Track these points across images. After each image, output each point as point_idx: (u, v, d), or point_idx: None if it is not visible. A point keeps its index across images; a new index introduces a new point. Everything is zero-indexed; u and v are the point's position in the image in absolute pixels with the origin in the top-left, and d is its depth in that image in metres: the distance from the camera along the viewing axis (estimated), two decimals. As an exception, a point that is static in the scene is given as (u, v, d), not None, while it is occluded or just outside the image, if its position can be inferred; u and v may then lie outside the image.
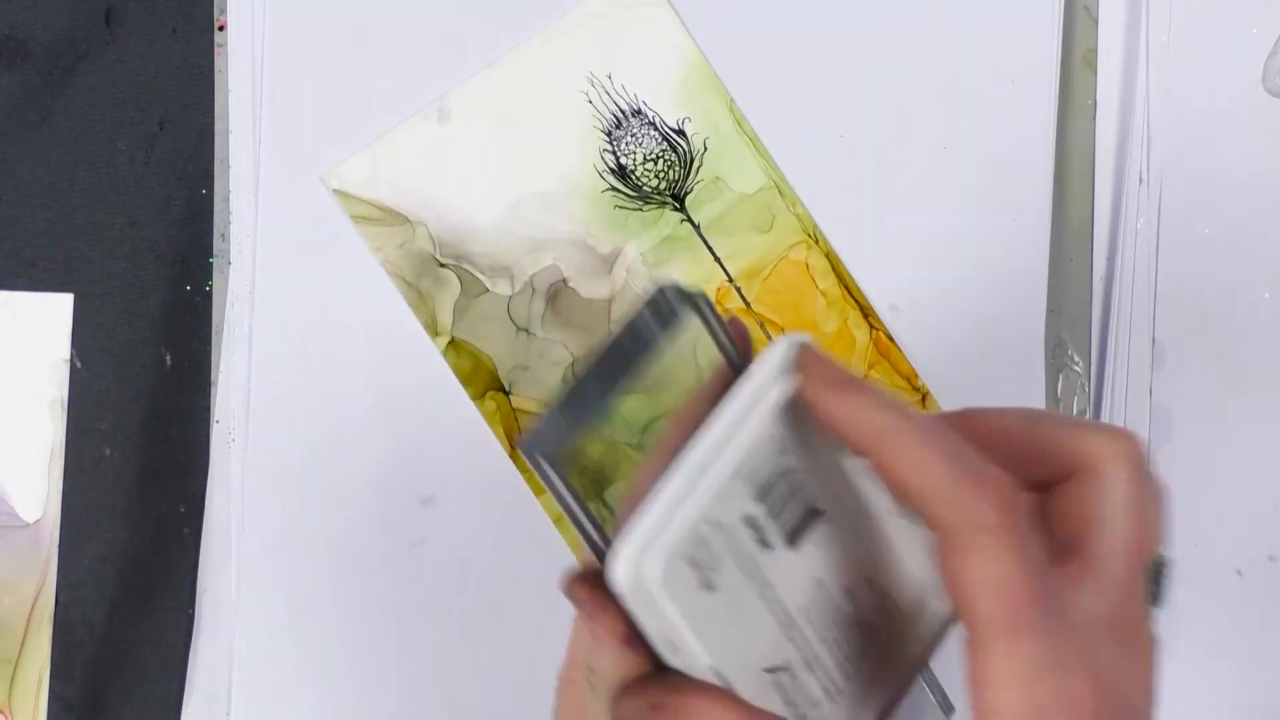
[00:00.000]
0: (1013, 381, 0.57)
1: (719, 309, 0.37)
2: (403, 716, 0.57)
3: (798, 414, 0.34)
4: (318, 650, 0.57)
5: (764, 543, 0.33)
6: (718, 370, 0.34)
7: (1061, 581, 0.33)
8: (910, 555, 0.36)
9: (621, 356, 0.33)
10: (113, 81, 0.58)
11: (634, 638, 0.34)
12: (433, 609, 0.57)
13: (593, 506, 0.33)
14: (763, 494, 0.33)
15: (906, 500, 0.33)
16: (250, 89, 0.58)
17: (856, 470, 0.34)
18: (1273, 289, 0.57)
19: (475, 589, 0.57)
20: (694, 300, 0.34)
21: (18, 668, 0.57)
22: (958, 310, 0.57)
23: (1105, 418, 0.57)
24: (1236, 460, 0.56)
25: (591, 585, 0.34)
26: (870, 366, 0.57)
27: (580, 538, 0.33)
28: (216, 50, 0.58)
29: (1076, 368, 0.58)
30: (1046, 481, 0.35)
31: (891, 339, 0.57)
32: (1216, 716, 0.56)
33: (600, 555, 0.33)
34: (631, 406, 0.34)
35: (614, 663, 0.34)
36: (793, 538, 0.34)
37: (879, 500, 0.35)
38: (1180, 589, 0.56)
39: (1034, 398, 0.57)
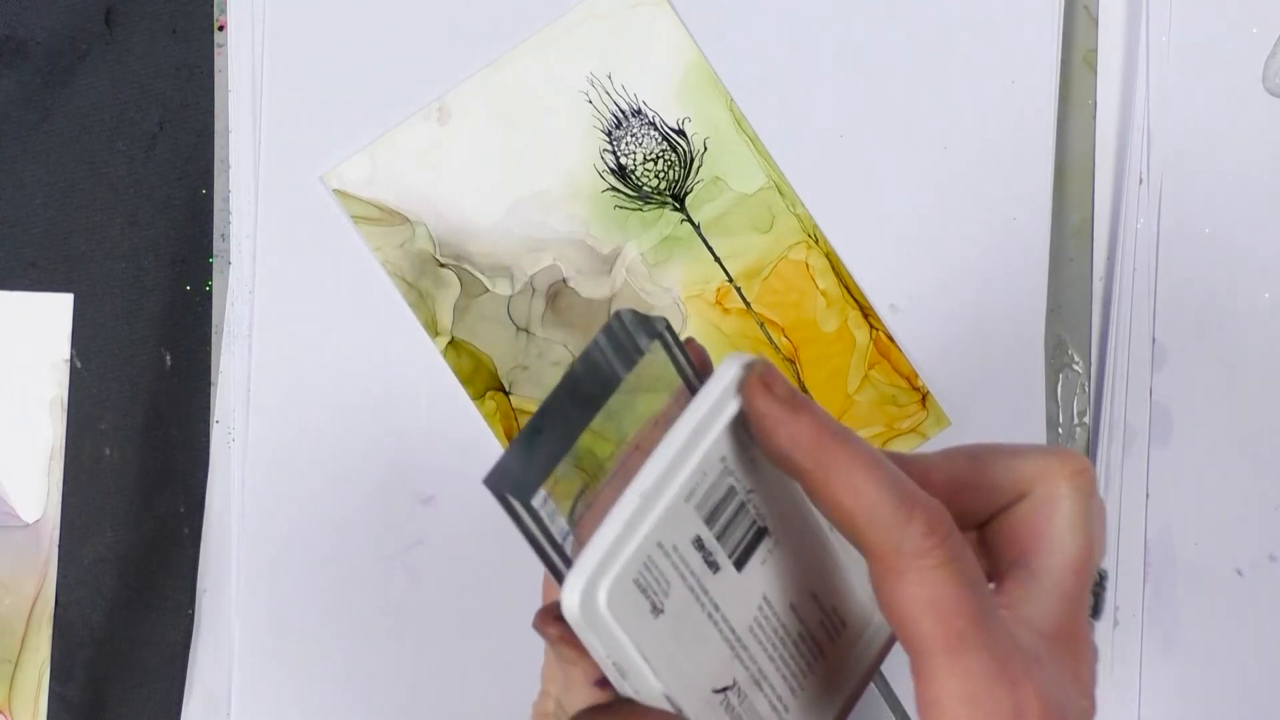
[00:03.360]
0: (1013, 381, 0.57)
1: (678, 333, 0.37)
2: (402, 717, 0.57)
3: (744, 434, 0.34)
4: (318, 650, 0.57)
5: (712, 564, 0.34)
6: (678, 395, 0.34)
7: (1003, 597, 0.34)
8: (853, 570, 0.36)
9: (582, 388, 0.33)
10: (113, 81, 0.58)
11: (607, 679, 0.34)
12: (433, 609, 0.57)
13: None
14: (711, 516, 0.34)
15: (840, 525, 0.33)
16: (250, 89, 0.58)
17: (799, 488, 0.34)
18: (1273, 289, 0.57)
19: (475, 589, 0.57)
20: (654, 326, 0.33)
21: (18, 668, 0.57)
22: (958, 310, 0.57)
23: (1105, 418, 0.57)
24: (1236, 460, 0.56)
25: (564, 623, 0.33)
26: (870, 366, 0.57)
27: (552, 576, 0.33)
28: (216, 50, 0.58)
29: (1076, 368, 0.58)
30: (996, 513, 0.36)
31: (891, 339, 0.57)
32: (1217, 717, 0.56)
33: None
34: (596, 438, 0.33)
35: (585, 703, 0.34)
36: (740, 558, 0.34)
37: (821, 517, 0.35)
38: (1180, 589, 0.56)
39: (1034, 397, 0.57)
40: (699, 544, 0.33)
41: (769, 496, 0.35)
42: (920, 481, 0.34)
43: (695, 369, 0.34)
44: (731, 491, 0.34)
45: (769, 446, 0.33)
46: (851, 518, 0.32)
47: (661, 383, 0.34)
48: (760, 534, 0.35)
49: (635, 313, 0.33)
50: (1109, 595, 0.56)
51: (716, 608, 0.34)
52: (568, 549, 0.32)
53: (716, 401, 0.33)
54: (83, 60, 0.58)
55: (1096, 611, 0.36)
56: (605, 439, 0.33)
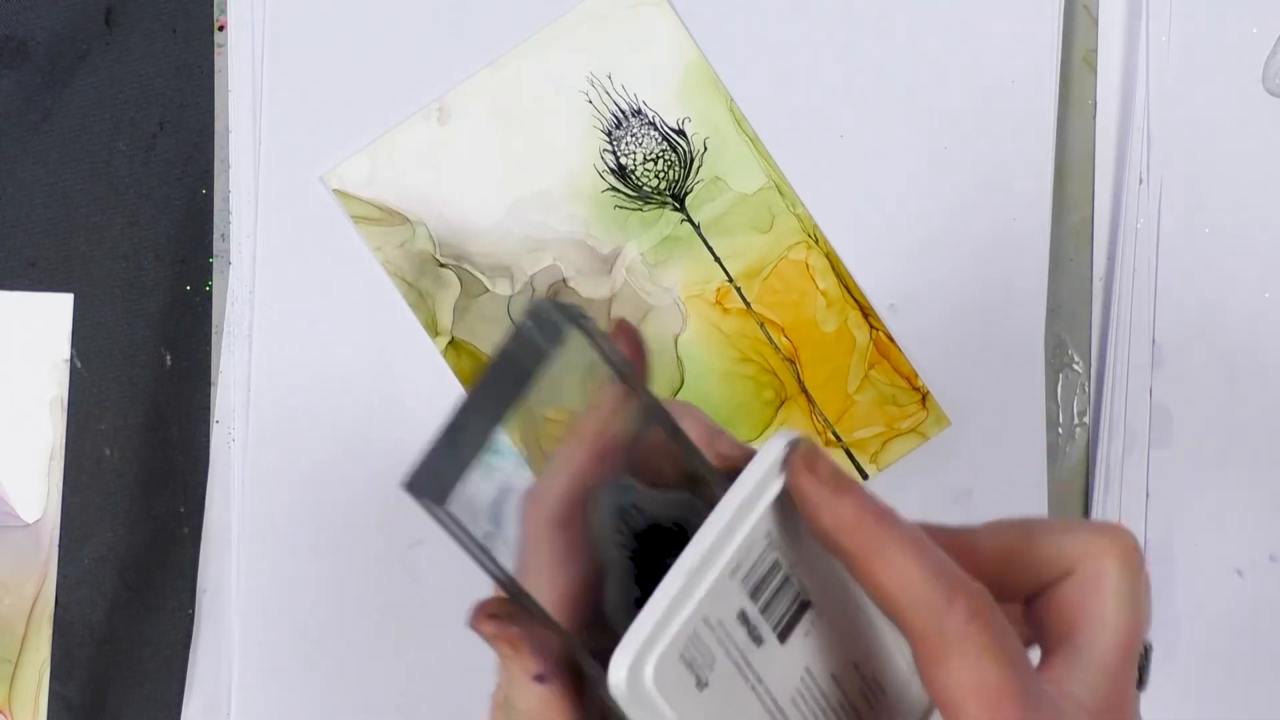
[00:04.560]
0: (1013, 381, 0.57)
1: (611, 323, 0.37)
2: (402, 717, 0.57)
3: (789, 509, 0.34)
4: (318, 650, 0.57)
5: (756, 638, 0.34)
6: (607, 386, 0.34)
7: (1049, 673, 0.34)
8: (891, 636, 0.36)
9: (500, 382, 0.32)
10: (113, 81, 0.58)
11: (546, 674, 0.34)
12: (433, 609, 0.57)
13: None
14: (756, 590, 0.34)
15: (882, 606, 0.33)
16: (250, 89, 0.58)
17: (821, 565, 0.35)
18: (1273, 289, 0.57)
19: (475, 589, 0.57)
20: (571, 314, 0.33)
21: (18, 668, 0.57)
22: (958, 310, 0.57)
23: (1105, 418, 0.57)
24: (1236, 460, 0.56)
25: (499, 619, 0.34)
26: (870, 366, 0.57)
27: (483, 571, 0.33)
28: (216, 50, 0.58)
29: (1076, 368, 0.58)
30: (1044, 588, 0.36)
31: (891, 339, 0.57)
32: (1217, 717, 0.56)
33: (505, 589, 0.33)
34: (520, 431, 0.33)
35: (526, 699, 0.34)
36: (784, 631, 0.35)
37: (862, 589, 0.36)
38: (1180, 589, 0.56)
39: (1034, 397, 0.57)
40: (743, 618, 0.34)
41: (812, 569, 0.35)
42: (966, 554, 0.34)
43: (621, 357, 0.34)
44: (776, 566, 0.34)
45: (812, 526, 0.34)
46: (894, 600, 0.33)
47: (586, 372, 0.34)
48: (804, 606, 0.35)
49: (553, 302, 0.33)
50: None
51: (760, 680, 0.34)
52: (494, 547, 0.33)
53: (762, 478, 0.34)
54: (83, 60, 0.58)
55: (1142, 684, 0.36)
56: (531, 432, 0.34)
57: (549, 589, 0.35)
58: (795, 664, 0.35)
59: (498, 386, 0.32)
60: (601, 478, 0.35)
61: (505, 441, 0.33)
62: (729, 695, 0.33)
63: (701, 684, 0.33)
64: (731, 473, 0.36)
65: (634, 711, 0.32)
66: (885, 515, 0.33)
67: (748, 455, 0.38)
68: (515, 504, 0.34)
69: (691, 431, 0.37)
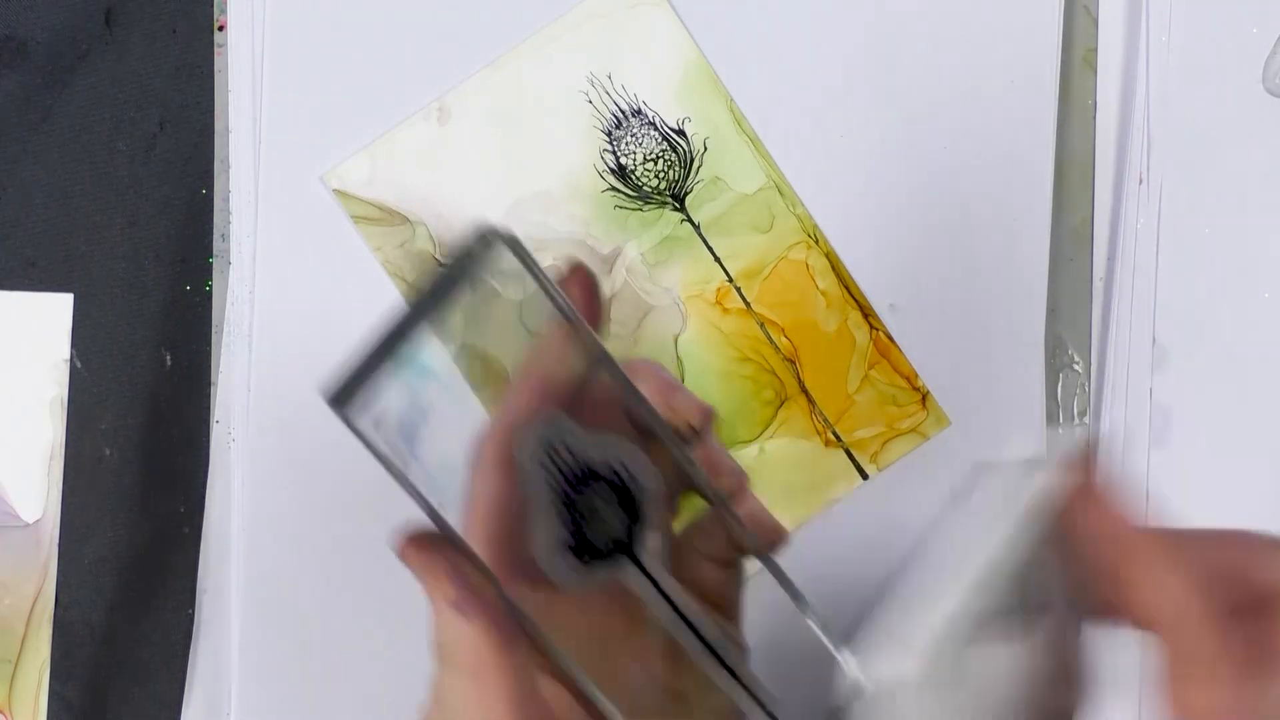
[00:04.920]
0: (1013, 381, 0.57)
1: (582, 266, 0.37)
2: (402, 716, 0.57)
3: (1037, 515, 0.34)
4: (318, 650, 0.57)
5: (981, 640, 0.34)
6: (553, 326, 0.34)
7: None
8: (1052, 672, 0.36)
9: (430, 301, 0.33)
10: (113, 81, 0.58)
11: (464, 604, 0.34)
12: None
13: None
14: (990, 595, 0.34)
15: (1138, 621, 0.34)
16: (250, 89, 0.58)
17: (1056, 569, 0.35)
18: (1273, 289, 0.57)
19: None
20: (507, 237, 0.33)
21: (18, 668, 0.57)
22: (958, 310, 0.57)
23: (1105, 418, 0.57)
24: (1236, 460, 0.56)
25: (422, 546, 0.34)
26: (870, 366, 0.57)
27: (405, 492, 0.33)
28: (216, 50, 0.58)
29: (1076, 368, 0.58)
30: (1263, 604, 0.36)
31: (891, 339, 0.57)
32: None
33: (429, 516, 0.34)
34: (446, 351, 0.34)
35: (446, 631, 0.34)
36: (1002, 638, 0.35)
37: (1060, 598, 0.36)
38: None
39: (1034, 397, 0.57)
40: (979, 621, 0.34)
41: (1036, 583, 0.35)
42: (1216, 555, 0.35)
43: (559, 289, 0.34)
44: (1011, 569, 0.34)
45: (1077, 534, 0.34)
46: (1155, 616, 0.33)
47: (530, 308, 0.34)
48: (1018, 618, 0.35)
49: (493, 226, 0.33)
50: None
51: (979, 683, 0.34)
52: (407, 467, 0.33)
53: (1017, 477, 0.34)
54: (83, 60, 0.58)
55: None
56: (479, 371, 0.34)
57: (483, 528, 0.35)
58: (1007, 673, 0.35)
59: (426, 305, 0.33)
60: (535, 416, 0.35)
61: (435, 364, 0.33)
62: (956, 698, 0.34)
63: (937, 683, 0.33)
64: (688, 430, 0.36)
65: (880, 707, 0.33)
66: (1157, 531, 0.34)
67: (705, 412, 0.38)
68: (444, 431, 0.34)
69: (648, 384, 0.36)
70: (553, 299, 0.34)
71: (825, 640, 0.37)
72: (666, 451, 0.36)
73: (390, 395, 0.32)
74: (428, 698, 0.37)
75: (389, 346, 0.32)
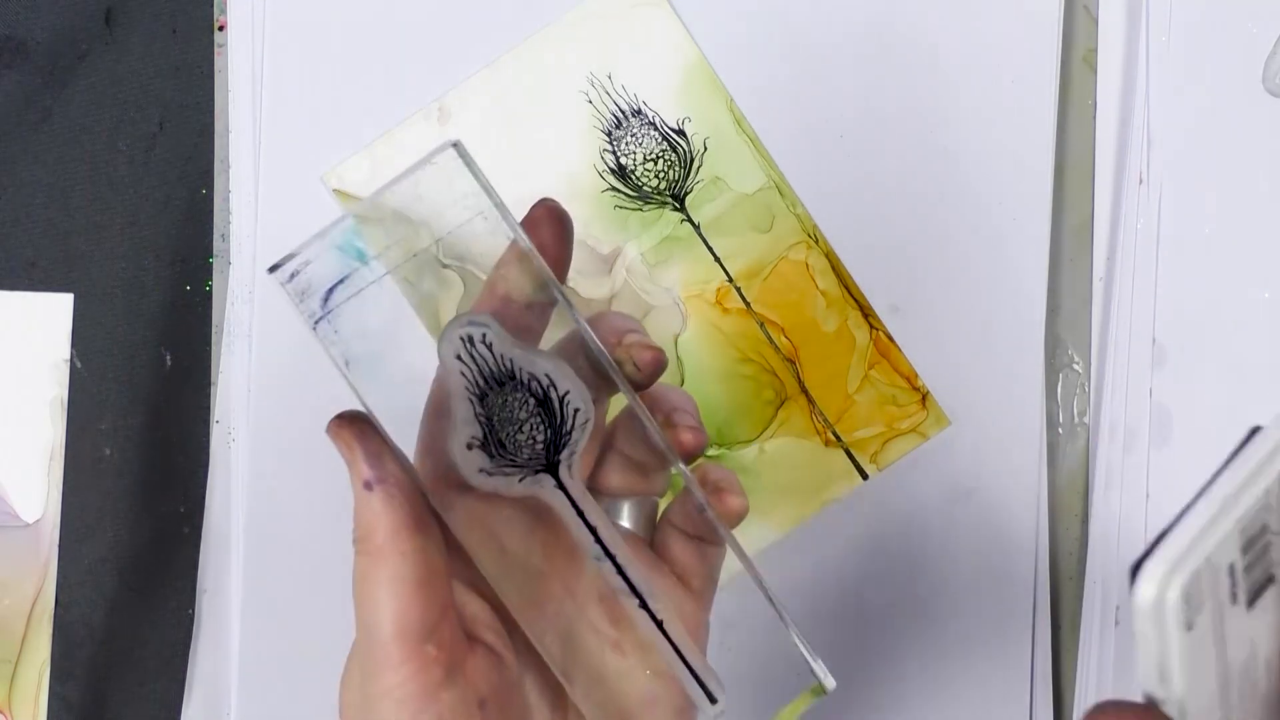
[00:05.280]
0: (1013, 381, 0.57)
1: (556, 213, 0.38)
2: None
3: None
4: (318, 650, 0.57)
5: (1233, 595, 0.33)
6: (511, 250, 0.36)
7: None
8: None
9: (372, 197, 0.36)
10: (113, 81, 0.58)
11: (375, 482, 0.35)
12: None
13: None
14: (1247, 546, 0.33)
15: None
16: (250, 89, 0.58)
17: None
18: (1273, 289, 0.57)
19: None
20: (458, 147, 0.36)
21: (18, 668, 0.57)
22: (958, 310, 0.57)
23: (1105, 418, 0.57)
24: (1236, 460, 0.56)
25: (345, 425, 0.36)
26: (870, 366, 0.57)
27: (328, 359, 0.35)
28: (216, 50, 0.58)
29: (1076, 368, 0.58)
30: None
31: (891, 339, 0.57)
32: (1216, 716, 0.56)
33: (356, 395, 0.35)
34: (375, 234, 0.37)
35: (361, 512, 0.35)
36: (1251, 597, 0.34)
37: None
38: (1180, 589, 0.56)
39: (1034, 397, 0.57)
40: (1231, 571, 0.33)
41: None
42: None
43: (494, 190, 0.37)
44: (1265, 529, 0.34)
45: None
46: None
47: (455, 202, 0.36)
48: (1270, 580, 0.34)
49: (459, 141, 0.36)
50: (1109, 596, 0.56)
51: (1223, 641, 0.33)
52: (323, 331, 0.36)
53: None
54: (83, 60, 0.58)
55: None
56: (370, 241, 0.36)
57: (421, 426, 0.36)
58: (1247, 636, 0.34)
59: (373, 198, 0.36)
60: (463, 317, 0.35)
61: (365, 248, 0.37)
62: (1201, 646, 0.33)
63: (1188, 625, 0.32)
64: (643, 371, 0.36)
65: (1146, 627, 0.32)
66: None
67: (657, 357, 0.38)
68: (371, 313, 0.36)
69: (604, 322, 0.37)
70: (505, 219, 0.36)
71: (801, 646, 0.37)
72: (610, 387, 0.37)
73: (322, 270, 0.36)
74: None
75: (330, 230, 0.36)
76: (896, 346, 0.57)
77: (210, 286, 0.58)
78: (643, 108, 0.57)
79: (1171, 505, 0.57)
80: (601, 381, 0.37)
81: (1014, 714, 0.56)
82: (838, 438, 0.57)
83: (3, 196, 0.58)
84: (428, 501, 0.36)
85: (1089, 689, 0.56)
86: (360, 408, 0.36)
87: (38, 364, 0.57)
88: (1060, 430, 0.58)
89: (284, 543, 0.57)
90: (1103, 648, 0.56)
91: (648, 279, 0.57)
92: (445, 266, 0.58)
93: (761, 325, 0.57)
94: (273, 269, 0.35)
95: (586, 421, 0.36)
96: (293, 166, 0.57)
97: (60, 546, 0.57)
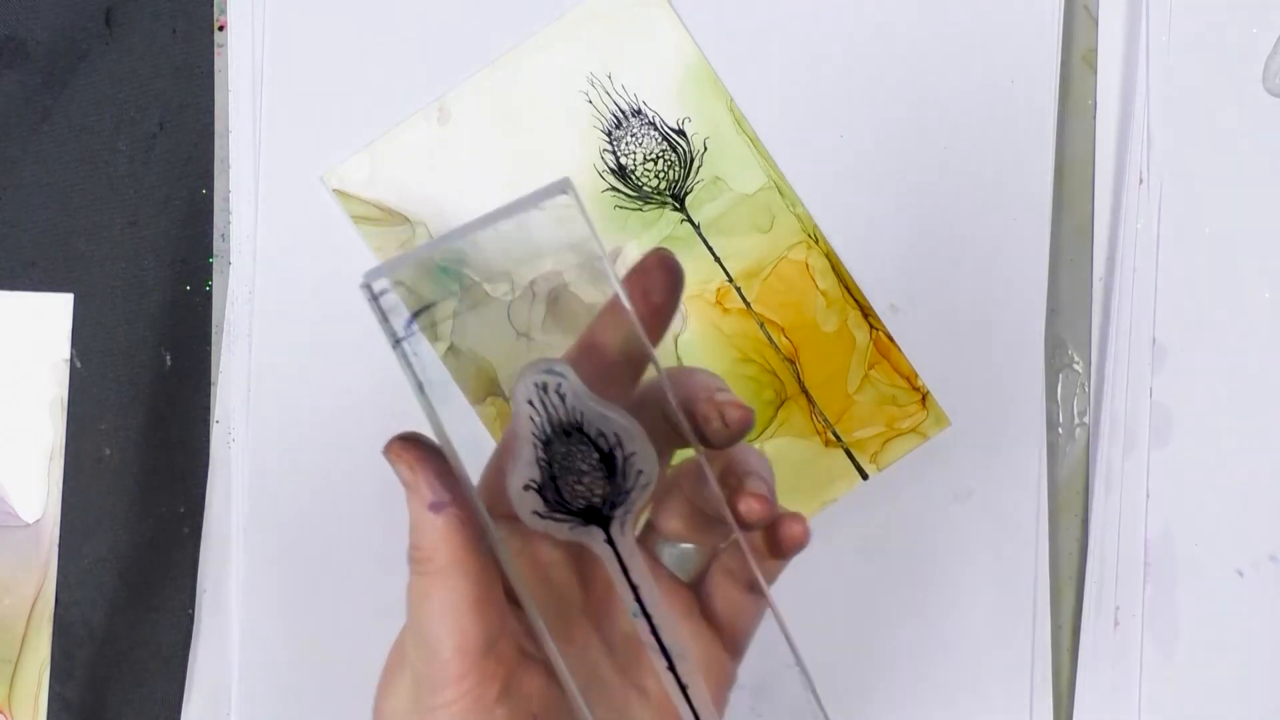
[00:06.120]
0: (1013, 381, 0.57)
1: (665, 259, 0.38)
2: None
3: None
4: (318, 650, 0.57)
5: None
6: (610, 304, 0.37)
7: None
8: None
9: (471, 224, 0.36)
10: (113, 81, 0.58)
11: (439, 504, 0.35)
12: (433, 609, 0.57)
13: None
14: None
15: None
16: (250, 89, 0.58)
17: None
18: (1273, 289, 0.57)
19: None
20: (568, 186, 0.35)
21: (18, 668, 0.57)
22: (958, 310, 0.57)
23: (1105, 418, 0.57)
24: (1236, 460, 0.56)
25: (407, 446, 0.36)
26: (870, 366, 0.57)
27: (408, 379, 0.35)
28: (216, 50, 0.58)
29: (1076, 368, 0.58)
30: None
31: (891, 339, 0.57)
32: (1217, 717, 0.56)
33: (430, 420, 0.35)
34: (472, 264, 0.36)
35: (422, 533, 0.36)
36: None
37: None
38: (1180, 589, 0.56)
39: (1034, 397, 0.57)
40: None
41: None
42: None
43: (599, 240, 0.36)
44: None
45: None
46: None
47: (567, 245, 0.36)
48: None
49: (568, 180, 0.36)
50: (1109, 596, 0.56)
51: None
52: (407, 338, 0.36)
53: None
54: (83, 60, 0.58)
55: None
56: (471, 269, 0.36)
57: (492, 458, 0.37)
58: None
59: (473, 225, 0.36)
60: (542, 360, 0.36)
61: (460, 271, 0.36)
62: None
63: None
64: (731, 428, 0.36)
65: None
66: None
67: (746, 417, 0.38)
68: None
69: (691, 382, 0.37)
70: (606, 271, 0.36)
71: (816, 704, 0.37)
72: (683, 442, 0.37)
73: (412, 291, 0.36)
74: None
75: (426, 251, 0.36)
76: (896, 346, 0.57)
77: (210, 286, 0.58)
78: (643, 108, 0.57)
79: (1171, 505, 0.57)
80: (676, 437, 0.37)
81: (1014, 714, 0.56)
82: (838, 438, 0.57)
83: (3, 196, 0.58)
84: (482, 518, 0.36)
85: (1089, 689, 0.56)
86: (429, 430, 0.36)
87: (38, 364, 0.57)
88: (1060, 430, 0.58)
89: (284, 543, 0.57)
90: (1103, 648, 0.56)
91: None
92: (444, 269, 0.58)
93: (761, 325, 0.57)
94: (363, 285, 0.36)
95: (648, 484, 0.36)
96: (293, 166, 0.57)
97: (60, 546, 0.57)
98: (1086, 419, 0.57)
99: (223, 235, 0.58)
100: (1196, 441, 0.56)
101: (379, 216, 0.57)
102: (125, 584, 0.57)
